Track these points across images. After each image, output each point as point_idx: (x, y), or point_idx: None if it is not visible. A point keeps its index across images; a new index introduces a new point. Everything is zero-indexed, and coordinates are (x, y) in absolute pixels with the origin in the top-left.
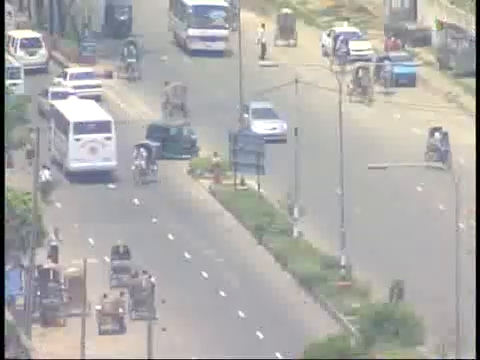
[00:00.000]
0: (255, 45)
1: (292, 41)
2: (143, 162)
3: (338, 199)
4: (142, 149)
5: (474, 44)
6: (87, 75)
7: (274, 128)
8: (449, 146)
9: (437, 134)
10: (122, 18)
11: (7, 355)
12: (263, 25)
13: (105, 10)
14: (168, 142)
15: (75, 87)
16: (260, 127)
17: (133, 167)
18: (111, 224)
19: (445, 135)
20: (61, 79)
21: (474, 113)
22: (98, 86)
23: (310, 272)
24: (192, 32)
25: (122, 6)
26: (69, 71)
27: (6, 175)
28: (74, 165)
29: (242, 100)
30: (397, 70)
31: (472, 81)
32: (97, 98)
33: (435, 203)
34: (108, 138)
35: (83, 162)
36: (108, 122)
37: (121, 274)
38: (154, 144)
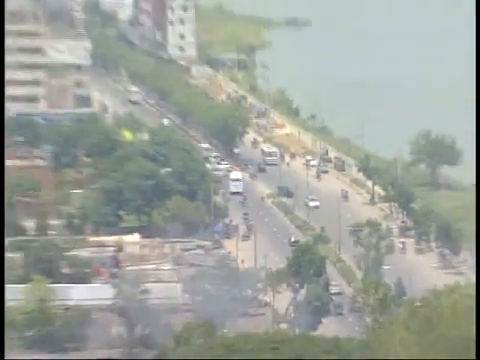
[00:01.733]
0: (286, 162)
1: (294, 159)
2: (241, 199)
3: (306, 205)
4: (241, 197)
5: (339, 161)
6: (231, 169)
7: (316, 203)
8: (347, 194)
9: (344, 191)
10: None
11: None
12: (288, 157)
13: None
14: (283, 193)
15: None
16: (313, 203)
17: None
18: (242, 209)
19: (346, 192)
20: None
21: (349, 183)
22: (235, 174)
23: (291, 216)
24: (267, 159)
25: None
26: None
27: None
28: (232, 190)
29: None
30: (321, 169)
31: (346, 172)
32: (224, 173)
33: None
34: (240, 183)
35: (234, 189)
36: (241, 178)
37: (246, 217)
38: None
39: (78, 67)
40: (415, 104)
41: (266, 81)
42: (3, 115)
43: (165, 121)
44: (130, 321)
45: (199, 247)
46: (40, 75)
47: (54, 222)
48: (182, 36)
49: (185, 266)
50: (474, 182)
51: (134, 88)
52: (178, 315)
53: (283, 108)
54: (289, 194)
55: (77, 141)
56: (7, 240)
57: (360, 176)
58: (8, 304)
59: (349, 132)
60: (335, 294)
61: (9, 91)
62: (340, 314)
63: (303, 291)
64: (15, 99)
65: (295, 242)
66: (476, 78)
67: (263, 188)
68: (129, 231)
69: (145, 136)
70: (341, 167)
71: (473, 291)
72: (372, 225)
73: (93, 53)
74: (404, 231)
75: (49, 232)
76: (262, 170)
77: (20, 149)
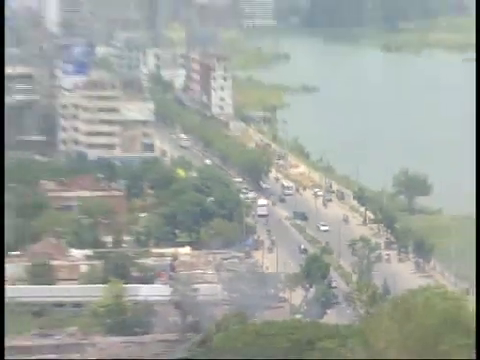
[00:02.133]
0: (300, 193)
1: (305, 191)
2: (265, 221)
3: (318, 229)
4: (264, 219)
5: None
6: (258, 198)
7: (326, 227)
8: (347, 218)
9: (345, 216)
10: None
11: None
12: (301, 189)
13: None
14: (298, 217)
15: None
16: (324, 227)
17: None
18: (267, 228)
19: (347, 216)
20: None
21: (348, 209)
22: (261, 201)
23: (303, 234)
24: (285, 191)
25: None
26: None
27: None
28: (259, 213)
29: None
30: (326, 198)
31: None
32: (252, 200)
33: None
34: (265, 208)
35: (260, 212)
36: (266, 204)
37: (270, 234)
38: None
39: (144, 122)
40: (396, 152)
41: (285, 132)
42: (3, 117)
43: (208, 162)
44: (183, 312)
45: (234, 257)
46: (116, 128)
47: (126, 238)
48: (222, 99)
49: (224, 271)
50: (441, 207)
51: (185, 137)
52: (219, 308)
53: (297, 153)
54: (303, 218)
55: (143, 177)
56: (91, 251)
57: (355, 204)
58: (93, 299)
59: (348, 171)
60: (333, 287)
61: (93, 140)
62: (337, 303)
63: (312, 290)
64: (97, 146)
65: (304, 250)
66: (476, 80)
67: (282, 212)
68: (182, 245)
69: (194, 173)
70: (341, 197)
71: (440, 290)
72: (364, 241)
73: (155, 112)
74: (389, 245)
75: (122, 245)
76: (282, 200)
77: (101, 183)
